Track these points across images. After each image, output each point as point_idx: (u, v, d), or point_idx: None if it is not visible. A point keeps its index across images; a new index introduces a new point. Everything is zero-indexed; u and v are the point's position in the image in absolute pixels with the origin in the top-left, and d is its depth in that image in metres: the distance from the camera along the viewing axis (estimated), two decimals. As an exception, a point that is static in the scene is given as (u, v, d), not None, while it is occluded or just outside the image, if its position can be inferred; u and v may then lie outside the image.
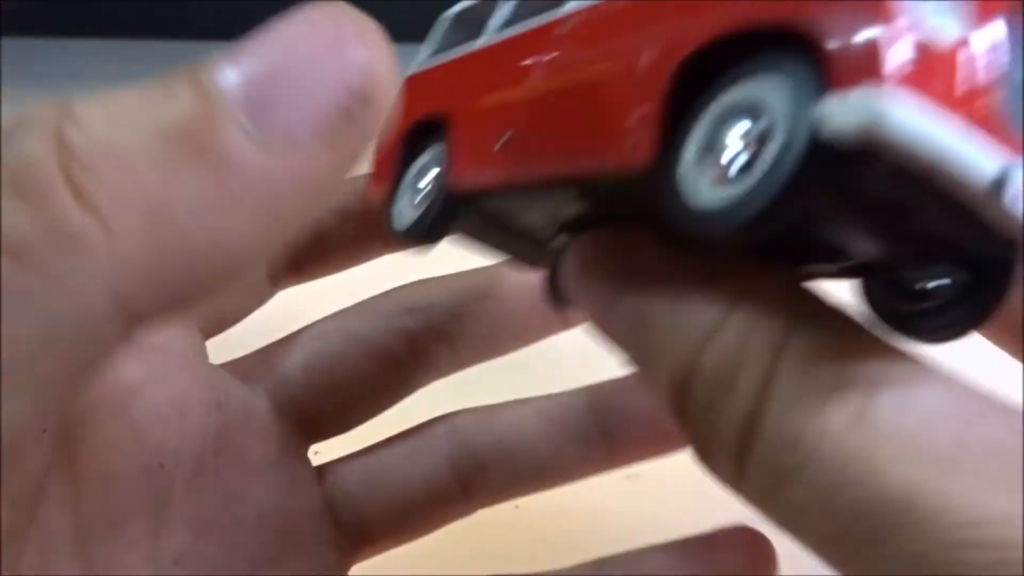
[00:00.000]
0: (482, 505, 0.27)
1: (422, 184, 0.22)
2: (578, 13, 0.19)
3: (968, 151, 0.11)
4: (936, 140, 0.11)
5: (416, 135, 0.23)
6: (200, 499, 0.23)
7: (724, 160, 0.14)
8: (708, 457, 0.15)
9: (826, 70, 0.12)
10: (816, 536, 0.14)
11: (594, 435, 0.26)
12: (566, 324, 0.28)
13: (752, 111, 0.13)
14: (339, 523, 0.26)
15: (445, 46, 0.25)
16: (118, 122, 0.14)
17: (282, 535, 0.24)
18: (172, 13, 1.20)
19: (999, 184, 0.11)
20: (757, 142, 0.13)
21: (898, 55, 0.11)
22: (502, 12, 0.23)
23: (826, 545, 0.14)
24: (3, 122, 0.14)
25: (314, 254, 0.26)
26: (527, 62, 0.20)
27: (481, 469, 0.27)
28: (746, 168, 0.13)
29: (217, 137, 0.14)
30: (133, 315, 0.14)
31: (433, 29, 0.25)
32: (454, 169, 0.21)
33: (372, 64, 0.15)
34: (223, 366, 0.25)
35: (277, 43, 0.15)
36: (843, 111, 0.11)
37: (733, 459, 0.14)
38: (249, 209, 0.14)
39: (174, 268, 0.14)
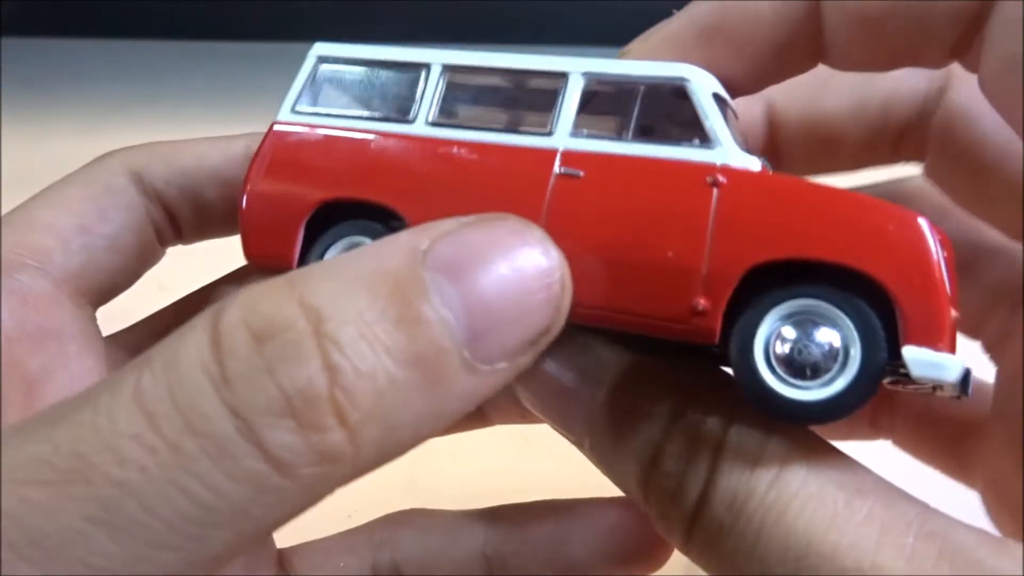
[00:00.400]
0: None
1: None
2: (604, 164, 0.20)
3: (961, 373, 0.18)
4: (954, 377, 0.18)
5: (330, 208, 0.22)
6: None
7: (797, 359, 0.18)
8: (666, 529, 0.19)
9: (905, 325, 0.18)
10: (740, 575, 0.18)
11: (492, 559, 0.27)
12: None
13: (818, 319, 0.18)
14: None
15: (346, 105, 0.24)
16: (373, 350, 0.16)
17: None
18: (172, 13, 1.20)
19: (964, 381, 0.18)
20: (831, 357, 0.18)
21: (951, 326, 0.18)
22: (456, 99, 0.23)
23: None
24: (248, 307, 0.16)
25: (197, 220, 0.27)
26: (537, 194, 0.20)
27: None
28: (818, 372, 0.18)
29: (446, 368, 0.16)
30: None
31: (308, 69, 0.24)
32: None
33: (563, 304, 0.18)
34: (113, 338, 0.26)
35: (495, 268, 0.17)
36: (924, 360, 0.18)
37: (685, 528, 0.19)
38: (446, 418, 0.17)
39: (379, 464, 0.17)
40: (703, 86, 0.21)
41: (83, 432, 0.15)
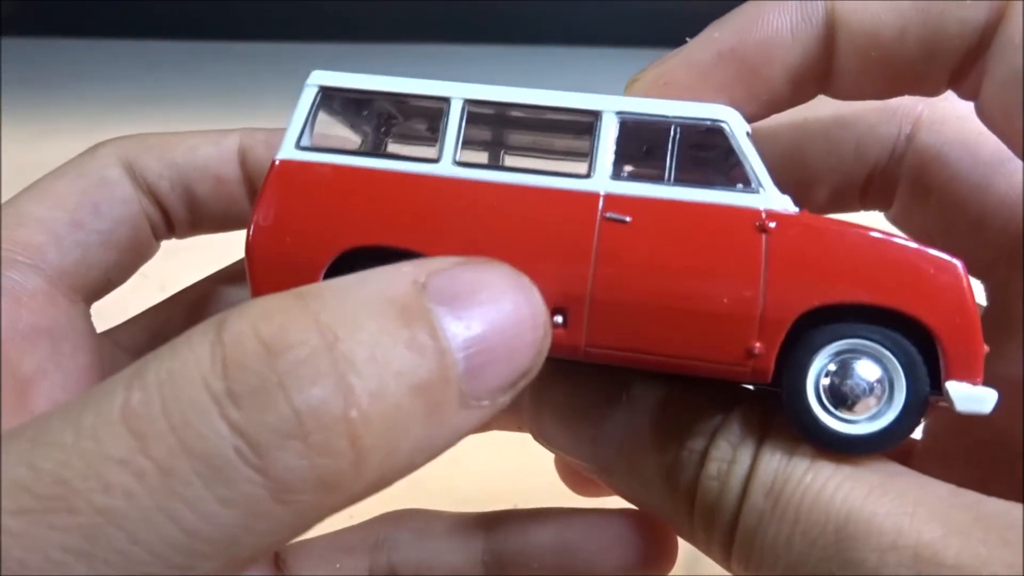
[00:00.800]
0: None
1: None
2: (650, 208, 0.20)
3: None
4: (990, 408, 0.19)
5: (353, 254, 0.21)
6: None
7: (848, 396, 0.19)
8: (707, 539, 0.20)
9: (948, 363, 0.19)
10: (783, 564, 0.18)
11: (489, 565, 0.28)
12: None
13: (863, 354, 0.20)
14: None
15: (356, 141, 0.23)
16: (385, 373, 0.15)
17: None
18: (172, 13, 1.20)
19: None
20: (878, 393, 0.20)
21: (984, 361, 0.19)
22: (481, 137, 0.22)
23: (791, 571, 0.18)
24: (253, 322, 0.15)
25: (189, 215, 0.27)
26: (584, 239, 0.20)
27: None
28: (866, 407, 0.20)
29: (446, 399, 0.16)
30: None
31: (309, 101, 0.22)
32: None
33: (544, 349, 0.18)
34: (108, 335, 0.26)
35: (491, 310, 0.17)
36: (966, 395, 0.19)
37: (727, 530, 0.19)
38: (435, 451, 0.17)
39: (369, 495, 0.16)
40: (740, 127, 0.21)
41: (66, 456, 0.14)
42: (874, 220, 0.27)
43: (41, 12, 1.20)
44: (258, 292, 0.21)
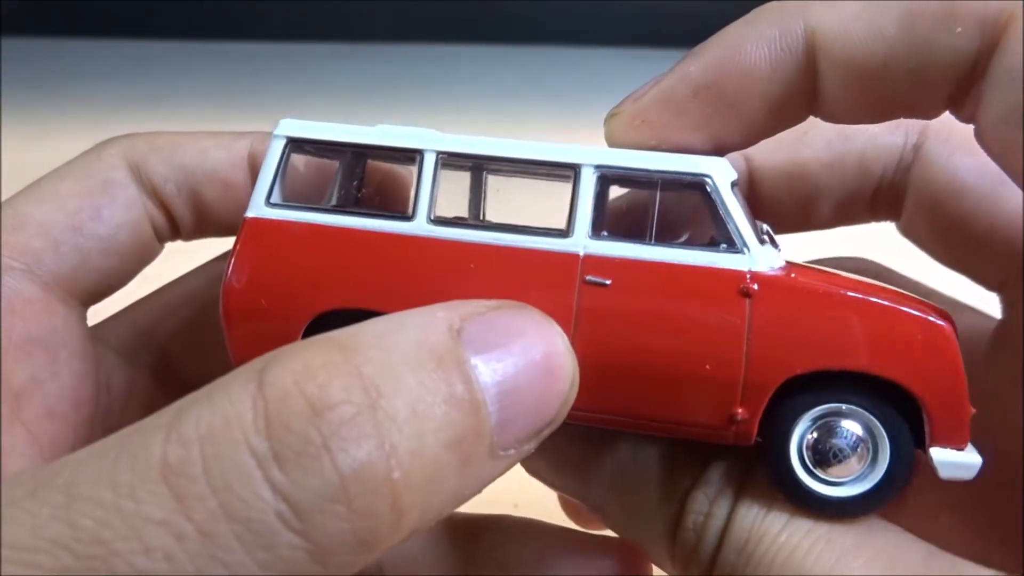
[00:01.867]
0: None
1: None
2: (631, 270, 0.20)
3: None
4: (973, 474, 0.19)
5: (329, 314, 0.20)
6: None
7: (830, 460, 0.19)
8: (685, 573, 0.20)
9: (932, 429, 0.19)
10: None
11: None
12: None
13: (844, 417, 0.19)
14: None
15: (326, 196, 0.23)
16: (425, 430, 0.15)
17: None
18: (173, 13, 1.20)
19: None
20: (861, 455, 0.19)
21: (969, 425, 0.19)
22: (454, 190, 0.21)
23: None
24: (292, 373, 0.15)
25: (195, 219, 0.26)
26: (564, 303, 0.19)
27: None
28: (850, 470, 0.19)
29: (478, 452, 0.16)
30: None
31: (276, 155, 0.21)
32: None
33: (570, 399, 0.18)
34: (96, 333, 0.26)
35: (524, 360, 0.17)
36: (950, 462, 0.19)
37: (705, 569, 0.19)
38: (461, 501, 0.17)
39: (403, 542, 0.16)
40: (724, 182, 0.20)
41: (106, 514, 0.14)
42: (886, 231, 0.26)
43: (41, 12, 1.20)
44: (237, 354, 0.20)
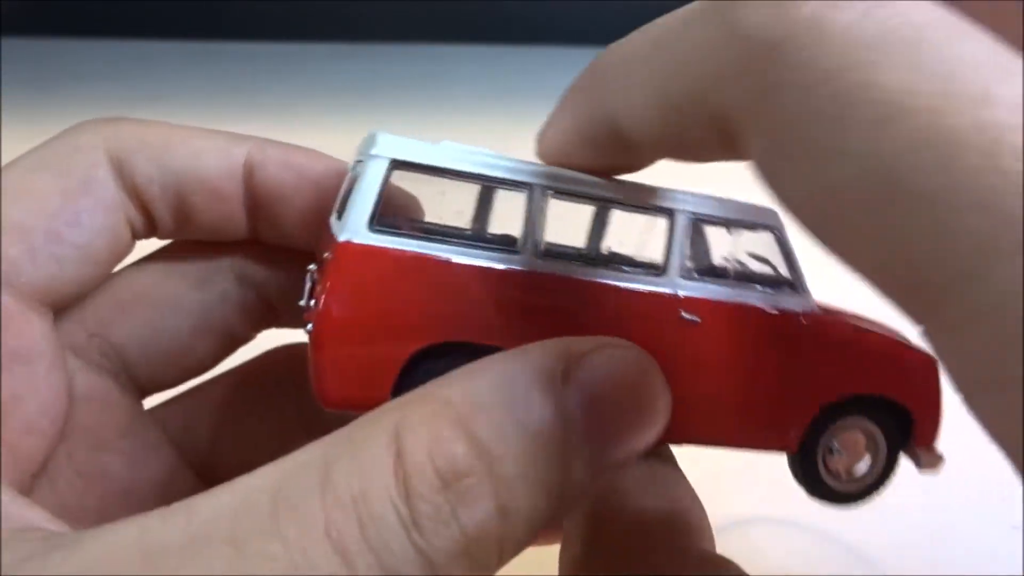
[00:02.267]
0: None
1: None
2: (716, 310, 0.22)
3: None
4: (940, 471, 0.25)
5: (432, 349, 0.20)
6: (66, 489, 0.24)
7: (845, 462, 0.24)
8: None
9: (918, 435, 0.24)
10: None
11: None
12: None
13: (857, 429, 0.24)
14: (195, 467, 0.27)
15: (428, 222, 0.23)
16: (534, 490, 0.17)
17: (148, 501, 0.25)
18: (173, 13, 1.20)
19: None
20: (868, 457, 0.24)
21: None
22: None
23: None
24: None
25: (177, 222, 0.25)
26: (662, 340, 0.21)
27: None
28: (858, 471, 0.24)
29: (571, 506, 0.18)
30: None
31: (380, 176, 0.20)
32: None
33: (663, 425, 0.19)
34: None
35: (630, 422, 0.19)
36: (928, 462, 0.24)
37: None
38: (560, 513, 0.18)
39: None
40: (787, 229, 0.22)
41: (278, 566, 0.15)
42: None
43: (41, 12, 1.20)
44: (327, 384, 0.20)
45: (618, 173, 0.22)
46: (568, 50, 1.32)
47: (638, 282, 0.21)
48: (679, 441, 0.22)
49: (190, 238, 0.26)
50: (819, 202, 0.15)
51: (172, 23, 1.21)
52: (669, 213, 0.22)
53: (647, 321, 0.21)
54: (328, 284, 0.20)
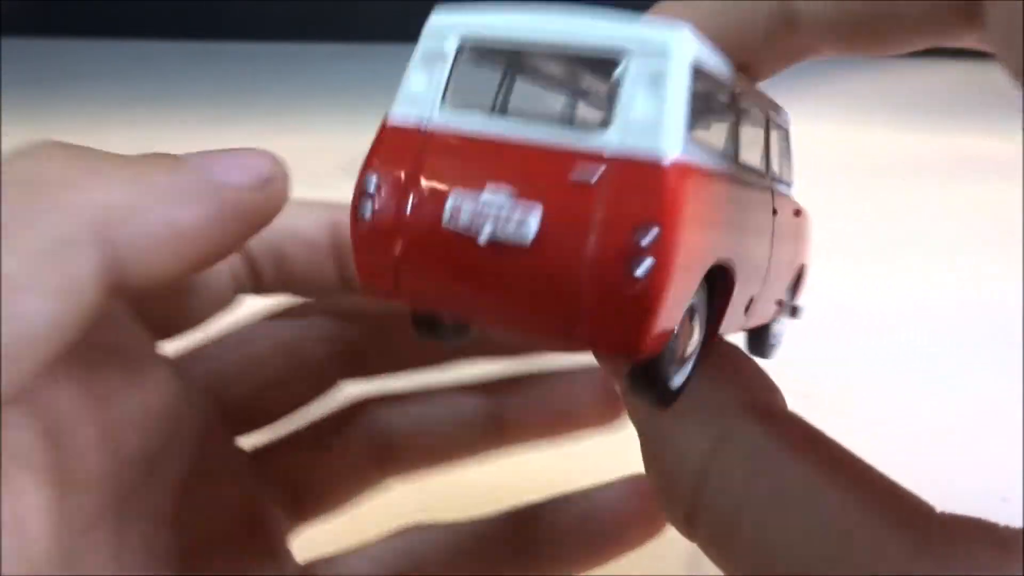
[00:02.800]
0: (394, 478, 0.30)
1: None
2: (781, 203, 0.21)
3: None
4: None
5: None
6: (153, 498, 0.24)
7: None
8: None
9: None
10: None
11: (487, 423, 0.30)
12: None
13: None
14: (277, 503, 0.29)
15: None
16: None
17: (227, 523, 0.26)
18: (173, 13, 1.20)
19: None
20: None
21: None
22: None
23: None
24: None
25: (276, 275, 0.27)
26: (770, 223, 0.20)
27: (392, 448, 0.30)
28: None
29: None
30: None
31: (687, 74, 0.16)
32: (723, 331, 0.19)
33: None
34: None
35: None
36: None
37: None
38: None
39: None
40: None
41: None
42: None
43: (41, 12, 1.20)
44: (646, 338, 0.16)
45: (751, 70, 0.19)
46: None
47: None
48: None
49: (288, 292, 0.28)
50: None
51: (172, 23, 1.21)
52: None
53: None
54: (669, 197, 0.16)
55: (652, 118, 0.16)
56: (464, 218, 0.17)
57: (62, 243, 0.17)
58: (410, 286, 0.18)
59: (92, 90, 0.99)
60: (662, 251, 0.15)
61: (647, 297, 0.16)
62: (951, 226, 0.63)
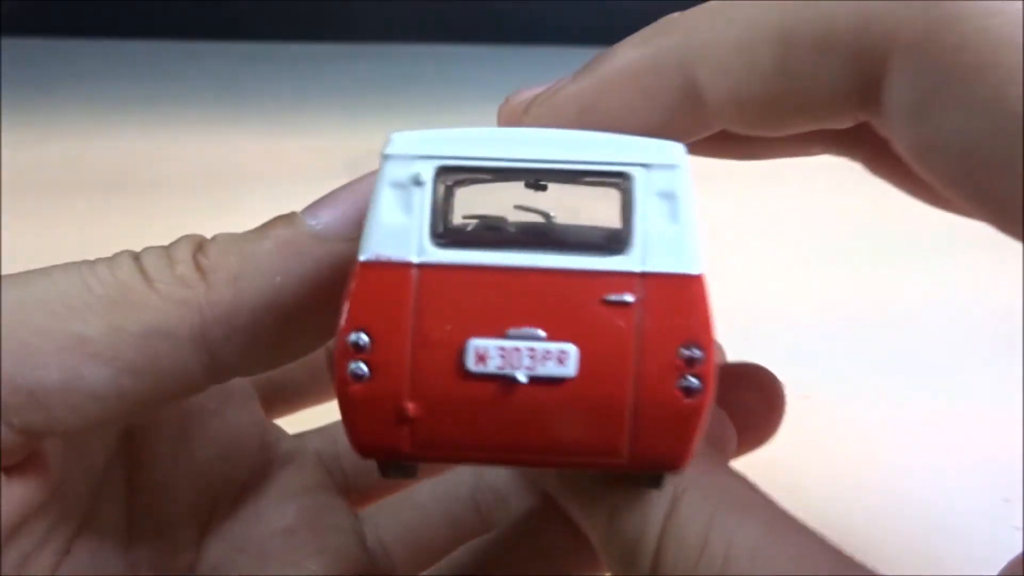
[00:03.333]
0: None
1: None
2: None
3: None
4: None
5: None
6: (237, 519, 0.25)
7: None
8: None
9: None
10: None
11: None
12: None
13: None
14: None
15: None
16: None
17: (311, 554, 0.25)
18: (173, 13, 1.20)
19: None
20: None
21: None
22: None
23: None
24: None
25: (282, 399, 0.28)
26: None
27: (500, 501, 0.28)
28: None
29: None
30: None
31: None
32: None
33: None
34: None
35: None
36: None
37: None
38: None
39: None
40: None
41: None
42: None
43: (41, 12, 1.20)
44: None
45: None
46: (568, 50, 1.32)
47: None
48: None
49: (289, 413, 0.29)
50: (979, 145, 0.14)
51: (172, 23, 1.20)
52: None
53: None
54: (705, 338, 0.16)
55: (674, 235, 0.16)
56: (495, 361, 0.16)
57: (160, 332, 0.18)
58: (431, 442, 0.16)
59: (92, 90, 0.99)
60: (706, 368, 0.16)
61: (698, 412, 0.16)
62: (951, 226, 0.63)
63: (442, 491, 0.28)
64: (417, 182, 0.17)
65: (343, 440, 0.26)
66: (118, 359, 0.17)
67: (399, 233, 0.16)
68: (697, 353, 0.16)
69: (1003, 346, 0.47)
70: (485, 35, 1.18)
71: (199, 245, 0.19)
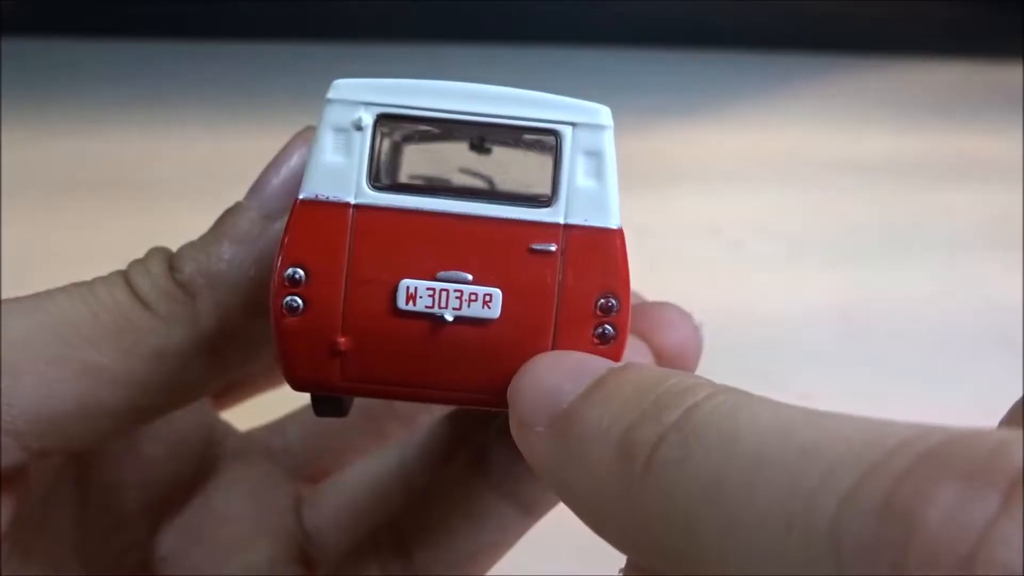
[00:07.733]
0: None
1: None
2: None
3: None
4: None
5: None
6: (187, 511, 0.26)
7: None
8: None
9: None
10: None
11: None
12: None
13: None
14: (309, 544, 0.28)
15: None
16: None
17: (262, 546, 0.27)
18: (172, 13, 1.20)
19: None
20: None
21: None
22: None
23: None
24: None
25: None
26: None
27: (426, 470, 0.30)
28: None
29: None
30: None
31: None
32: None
33: None
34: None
35: None
36: None
37: None
38: None
39: None
40: None
41: None
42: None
43: (41, 12, 1.20)
44: None
45: None
46: (568, 50, 1.32)
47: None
48: None
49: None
50: None
51: (172, 23, 1.20)
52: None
53: None
54: (622, 290, 0.18)
55: (597, 191, 0.17)
56: (424, 300, 0.17)
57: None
58: (361, 376, 0.17)
59: (92, 90, 0.99)
60: (621, 317, 0.17)
61: (613, 359, 0.17)
62: (951, 226, 0.63)
63: (372, 470, 0.29)
64: (357, 127, 0.19)
65: (291, 432, 0.28)
66: (133, 382, 0.18)
67: (338, 175, 0.18)
68: (614, 302, 0.17)
69: (1003, 346, 0.47)
70: (485, 35, 1.18)
71: (168, 261, 0.19)
